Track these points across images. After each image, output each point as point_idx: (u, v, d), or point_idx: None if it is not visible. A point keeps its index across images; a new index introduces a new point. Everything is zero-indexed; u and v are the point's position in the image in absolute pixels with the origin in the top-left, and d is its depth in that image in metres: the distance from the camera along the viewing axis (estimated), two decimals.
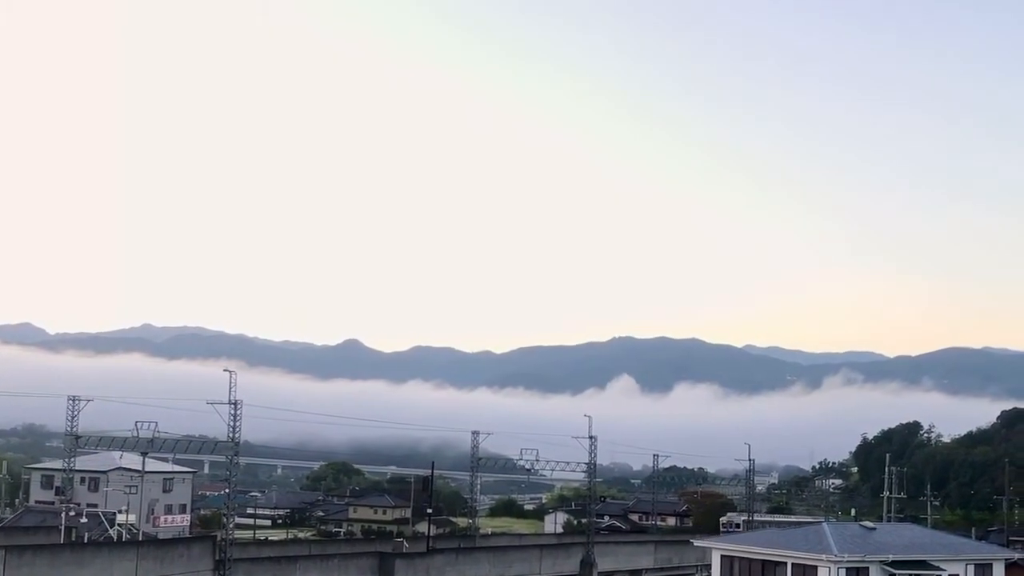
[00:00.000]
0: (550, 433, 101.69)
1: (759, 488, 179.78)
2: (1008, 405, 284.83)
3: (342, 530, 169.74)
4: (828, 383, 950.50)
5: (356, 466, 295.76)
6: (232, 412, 65.11)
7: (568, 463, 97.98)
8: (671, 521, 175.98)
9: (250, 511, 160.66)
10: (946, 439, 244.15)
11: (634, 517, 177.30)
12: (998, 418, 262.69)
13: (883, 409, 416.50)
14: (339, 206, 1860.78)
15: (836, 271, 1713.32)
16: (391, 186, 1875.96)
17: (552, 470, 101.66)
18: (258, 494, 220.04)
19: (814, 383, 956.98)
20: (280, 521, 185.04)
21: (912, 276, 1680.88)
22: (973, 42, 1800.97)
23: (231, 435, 65.65)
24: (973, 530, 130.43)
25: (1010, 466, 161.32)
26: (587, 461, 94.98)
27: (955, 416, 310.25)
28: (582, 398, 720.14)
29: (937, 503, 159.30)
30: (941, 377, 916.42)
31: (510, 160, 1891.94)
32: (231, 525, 66.89)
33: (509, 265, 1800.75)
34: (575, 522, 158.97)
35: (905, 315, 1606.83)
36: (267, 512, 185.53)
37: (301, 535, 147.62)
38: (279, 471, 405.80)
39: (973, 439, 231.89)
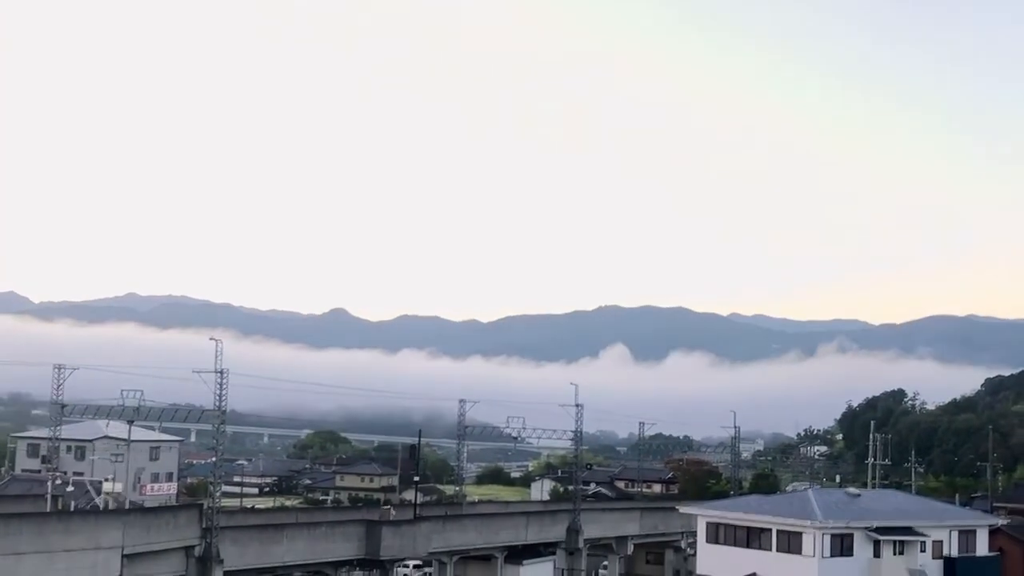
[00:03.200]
0: (546, 402, 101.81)
1: (744, 455, 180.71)
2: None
3: (329, 498, 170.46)
4: (821, 351, 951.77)
5: (343, 435, 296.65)
6: (218, 381, 65.06)
7: (554, 431, 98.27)
8: (657, 488, 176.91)
9: (237, 479, 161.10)
10: (930, 407, 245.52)
11: (620, 484, 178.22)
12: (982, 385, 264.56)
13: (872, 378, 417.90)
14: (322, 174, 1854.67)
15: (814, 238, 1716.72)
16: (372, 154, 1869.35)
17: (538, 438, 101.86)
18: (245, 462, 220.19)
19: (805, 351, 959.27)
20: (267, 489, 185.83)
21: (889, 243, 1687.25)
22: None
23: (217, 404, 65.65)
24: (957, 496, 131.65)
25: (994, 433, 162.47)
26: (573, 429, 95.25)
27: (945, 385, 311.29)
28: (576, 367, 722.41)
29: (921, 470, 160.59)
30: (927, 345, 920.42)
31: (491, 130, 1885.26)
32: (218, 493, 66.99)
33: (492, 233, 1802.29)
34: (561, 489, 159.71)
35: (886, 283, 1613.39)
36: (254, 480, 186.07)
37: (288, 503, 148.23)
38: (266, 440, 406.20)
39: (957, 407, 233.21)
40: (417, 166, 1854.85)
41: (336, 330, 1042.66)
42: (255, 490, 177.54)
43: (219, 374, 64.99)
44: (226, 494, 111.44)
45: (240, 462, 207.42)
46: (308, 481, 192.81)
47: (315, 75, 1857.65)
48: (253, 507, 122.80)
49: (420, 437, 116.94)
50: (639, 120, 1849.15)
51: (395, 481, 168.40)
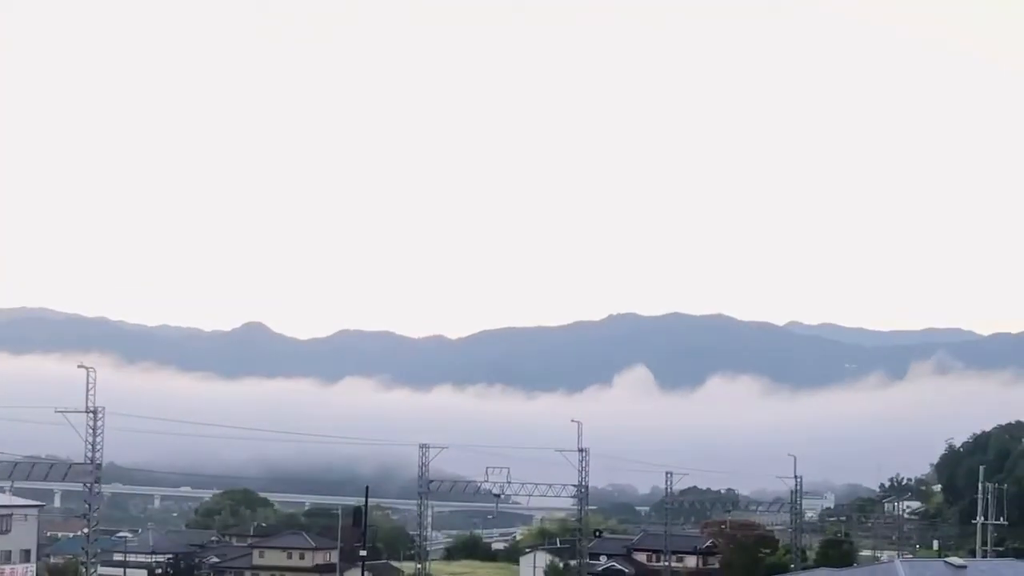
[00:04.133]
0: (539, 447, 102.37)
1: (809, 515, 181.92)
2: None
3: None
4: (912, 372, 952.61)
5: (263, 495, 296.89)
6: (91, 424, 65.10)
7: (551, 486, 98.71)
8: (691, 562, 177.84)
9: (119, 557, 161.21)
10: None
11: (640, 557, 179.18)
12: None
13: (982, 407, 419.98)
14: (223, 146, 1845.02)
15: (902, 222, 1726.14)
16: (296, 123, 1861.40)
17: (529, 495, 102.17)
18: (128, 534, 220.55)
19: (891, 372, 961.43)
20: (160, 571, 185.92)
21: (1000, 225, 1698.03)
22: None
23: (90, 455, 65.68)
24: None
25: None
26: (576, 483, 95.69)
27: None
28: (580, 398, 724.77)
29: None
30: None
31: (464, 88, 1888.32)
32: None
33: (463, 224, 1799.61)
34: (561, 565, 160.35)
35: (997, 279, 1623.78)
36: (142, 559, 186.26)
37: None
38: (157, 503, 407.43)
39: None
40: (357, 137, 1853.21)
41: (252, 352, 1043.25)
42: (143, 572, 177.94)
43: (92, 414, 65.04)
44: None
45: (123, 534, 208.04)
46: (215, 559, 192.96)
47: (286, 74, 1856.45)
48: None
49: (367, 496, 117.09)
50: (669, 78, 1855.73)
51: (334, 557, 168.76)
